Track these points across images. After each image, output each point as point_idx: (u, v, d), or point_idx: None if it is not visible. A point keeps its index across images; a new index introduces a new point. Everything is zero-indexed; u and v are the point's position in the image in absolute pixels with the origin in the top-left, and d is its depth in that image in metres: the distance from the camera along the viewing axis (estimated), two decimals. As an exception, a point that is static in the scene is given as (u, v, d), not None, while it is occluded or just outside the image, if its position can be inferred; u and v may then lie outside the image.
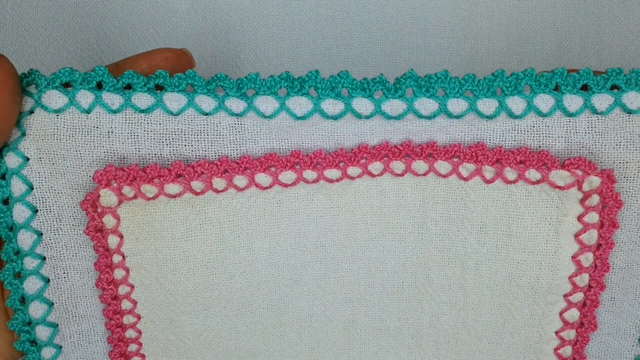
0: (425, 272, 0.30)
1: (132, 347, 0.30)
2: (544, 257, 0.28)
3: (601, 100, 0.26)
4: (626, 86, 0.26)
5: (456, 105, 0.26)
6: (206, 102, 0.27)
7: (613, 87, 0.26)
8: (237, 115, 0.27)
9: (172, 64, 0.28)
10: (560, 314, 0.30)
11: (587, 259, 0.28)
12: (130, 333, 0.30)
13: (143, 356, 0.31)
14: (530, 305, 0.30)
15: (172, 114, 0.27)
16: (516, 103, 0.26)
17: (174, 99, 0.26)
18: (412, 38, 0.39)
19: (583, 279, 0.29)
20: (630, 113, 0.26)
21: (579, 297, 0.29)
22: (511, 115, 0.27)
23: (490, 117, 0.27)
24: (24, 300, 0.28)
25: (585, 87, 0.26)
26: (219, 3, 0.38)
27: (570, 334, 0.30)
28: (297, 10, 0.39)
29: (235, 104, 0.27)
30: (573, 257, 0.28)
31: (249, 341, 0.31)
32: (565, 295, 0.29)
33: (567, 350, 0.31)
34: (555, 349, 0.31)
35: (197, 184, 0.27)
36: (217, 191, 0.27)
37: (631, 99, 0.26)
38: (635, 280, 0.29)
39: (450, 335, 0.31)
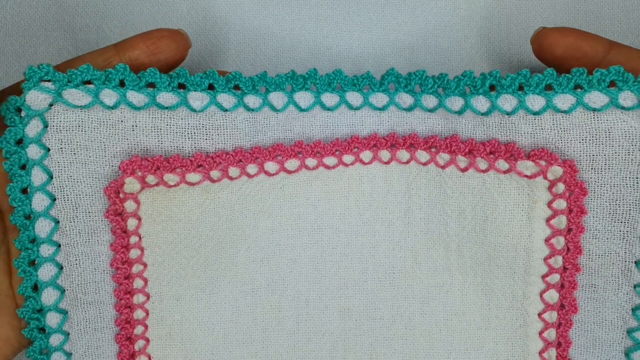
0: (413, 255, 0.33)
1: (139, 330, 0.32)
2: (519, 240, 0.31)
3: (563, 100, 0.28)
4: (588, 86, 0.28)
5: (429, 100, 0.30)
6: (227, 99, 0.29)
7: (577, 86, 0.28)
8: (252, 110, 0.29)
9: (167, 42, 0.30)
10: (540, 294, 0.32)
11: (559, 242, 0.30)
12: (138, 314, 0.32)
13: (148, 340, 0.32)
14: (510, 285, 0.32)
15: (194, 111, 0.29)
16: (480, 102, 0.29)
17: (197, 98, 0.29)
18: (412, 38, 0.39)
19: (557, 261, 0.31)
20: (594, 111, 0.28)
21: (555, 278, 0.31)
22: (477, 112, 0.29)
23: (458, 113, 0.29)
24: (35, 288, 0.30)
25: (550, 87, 0.28)
26: (219, 3, 0.38)
27: (552, 316, 0.32)
28: (297, 10, 0.39)
29: (252, 100, 0.29)
30: (546, 241, 0.31)
31: (249, 326, 0.33)
32: (542, 277, 0.31)
33: (552, 334, 0.32)
34: (540, 332, 0.32)
35: (215, 173, 0.29)
36: (231, 179, 0.30)
37: (593, 99, 0.28)
38: (615, 268, 0.31)
39: (441, 322, 0.33)
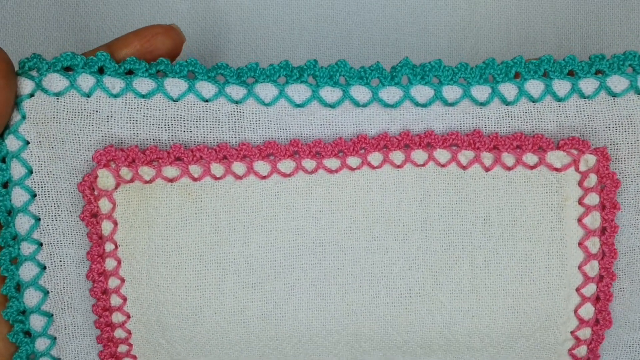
0: (433, 275, 0.29)
1: (122, 348, 0.30)
2: (550, 245, 0.28)
3: (587, 84, 0.27)
4: (609, 70, 0.27)
5: (451, 92, 0.27)
6: (206, 88, 0.27)
7: (598, 72, 0.28)
8: (236, 102, 0.27)
9: (162, 39, 0.29)
10: (575, 310, 0.29)
11: (594, 244, 0.28)
12: (119, 332, 0.29)
13: (134, 357, 0.30)
14: (545, 304, 0.29)
15: (172, 99, 0.27)
16: (508, 89, 0.27)
17: (174, 84, 0.27)
18: (412, 38, 0.39)
19: (593, 267, 0.28)
20: (614, 96, 0.27)
21: (591, 289, 0.28)
22: (504, 101, 0.27)
23: (483, 104, 0.27)
24: (19, 288, 0.28)
25: (571, 74, 0.28)
26: (219, 3, 0.38)
27: (585, 333, 0.29)
28: (297, 10, 0.39)
29: (235, 90, 0.27)
30: (580, 244, 0.28)
31: (242, 351, 0.30)
32: (577, 289, 0.28)
33: (582, 350, 0.30)
34: (570, 349, 0.30)
35: (195, 168, 0.27)
36: (215, 177, 0.27)
37: (615, 83, 0.27)
38: (638, 266, 0.29)
39: (462, 344, 0.30)
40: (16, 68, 0.27)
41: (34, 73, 0.27)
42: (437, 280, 0.29)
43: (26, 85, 0.27)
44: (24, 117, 0.27)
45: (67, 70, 0.27)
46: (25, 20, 0.38)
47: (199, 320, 0.28)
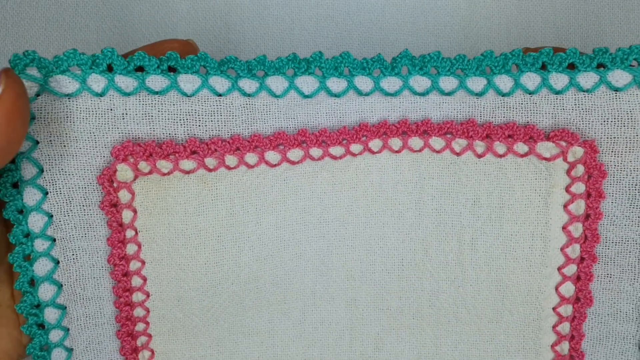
0: (423, 248, 0.31)
1: (140, 326, 0.31)
2: (535, 227, 0.30)
3: (586, 79, 0.27)
4: (612, 64, 0.27)
5: (447, 82, 0.28)
6: (220, 83, 0.27)
7: (599, 65, 0.27)
8: (249, 95, 0.28)
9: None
10: (556, 288, 0.31)
11: (577, 229, 0.30)
12: (138, 311, 0.31)
13: (150, 336, 0.31)
14: (526, 280, 0.31)
15: (186, 95, 0.27)
16: (504, 81, 0.28)
17: (188, 81, 0.27)
18: (412, 38, 0.39)
19: (574, 250, 0.30)
20: (616, 90, 0.27)
21: (572, 269, 0.30)
22: (499, 92, 0.28)
23: (479, 95, 0.28)
24: (32, 283, 0.29)
25: (572, 67, 0.28)
26: (219, 3, 0.38)
27: (567, 310, 0.31)
28: (297, 10, 0.39)
29: (248, 84, 0.28)
30: (563, 228, 0.30)
31: (254, 318, 0.32)
32: (559, 268, 0.30)
33: (566, 327, 0.31)
34: (554, 326, 0.32)
35: (210, 161, 0.28)
36: (228, 168, 0.28)
37: (617, 77, 0.27)
38: (632, 257, 0.30)
39: (450, 314, 0.32)
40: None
41: (35, 72, 0.26)
42: (427, 252, 0.31)
43: (29, 87, 0.26)
44: (33, 118, 0.26)
45: (73, 67, 0.26)
46: (25, 20, 0.38)
47: (218, 291, 0.31)
